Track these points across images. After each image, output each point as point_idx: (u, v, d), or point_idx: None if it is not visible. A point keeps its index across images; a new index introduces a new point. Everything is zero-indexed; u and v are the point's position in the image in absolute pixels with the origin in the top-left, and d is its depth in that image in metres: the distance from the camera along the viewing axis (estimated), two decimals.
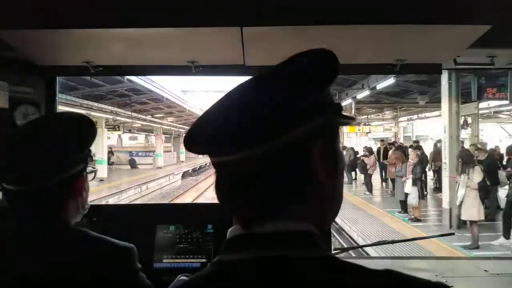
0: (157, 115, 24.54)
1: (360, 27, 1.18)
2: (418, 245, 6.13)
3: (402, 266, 1.55)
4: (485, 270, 1.45)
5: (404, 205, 8.99)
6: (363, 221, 8.66)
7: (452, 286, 0.96)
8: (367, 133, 19.12)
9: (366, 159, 12.93)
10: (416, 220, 8.30)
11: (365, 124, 19.21)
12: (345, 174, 14.40)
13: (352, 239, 7.85)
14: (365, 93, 12.41)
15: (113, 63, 1.46)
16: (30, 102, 1.44)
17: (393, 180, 11.28)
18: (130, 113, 18.20)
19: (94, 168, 1.15)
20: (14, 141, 0.91)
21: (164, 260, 1.42)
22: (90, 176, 1.04)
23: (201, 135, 0.50)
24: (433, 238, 5.47)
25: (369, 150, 13.38)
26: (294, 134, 0.45)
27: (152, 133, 28.28)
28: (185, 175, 23.83)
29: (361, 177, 14.69)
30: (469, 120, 11.39)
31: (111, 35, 1.25)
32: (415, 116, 20.07)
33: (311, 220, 0.49)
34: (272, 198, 0.47)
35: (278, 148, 0.45)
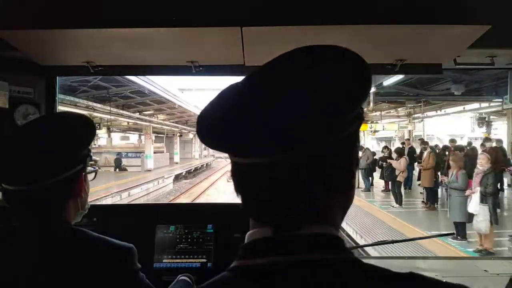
0: (146, 112, 24.50)
1: (360, 27, 1.34)
2: None
3: (403, 266, 1.74)
4: (485, 270, 1.64)
5: (462, 229, 7.41)
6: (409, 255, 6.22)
7: None
8: (375, 131, 18.44)
9: (394, 163, 11.56)
10: (488, 253, 6.43)
11: (373, 122, 18.49)
12: (361, 180, 13.78)
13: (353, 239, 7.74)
14: (396, 78, 10.83)
15: (113, 63, 1.65)
16: (30, 102, 1.63)
17: (428, 190, 10.42)
18: (109, 108, 17.57)
19: (94, 168, 1.27)
20: (13, 142, 1.03)
21: (164, 260, 1.62)
22: (90, 176, 1.17)
23: (226, 132, 0.52)
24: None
25: (398, 152, 12.12)
26: (339, 137, 0.51)
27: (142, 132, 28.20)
28: (178, 178, 24.31)
29: (379, 183, 14.11)
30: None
31: (111, 35, 1.41)
32: (426, 114, 19.60)
33: (334, 223, 0.55)
34: (305, 202, 0.51)
35: (321, 151, 0.49)
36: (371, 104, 13.94)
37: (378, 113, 19.33)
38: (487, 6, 1.34)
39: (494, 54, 1.54)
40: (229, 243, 1.61)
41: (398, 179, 11.36)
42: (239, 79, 0.58)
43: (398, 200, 11.23)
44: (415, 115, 18.93)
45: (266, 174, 0.50)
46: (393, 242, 1.80)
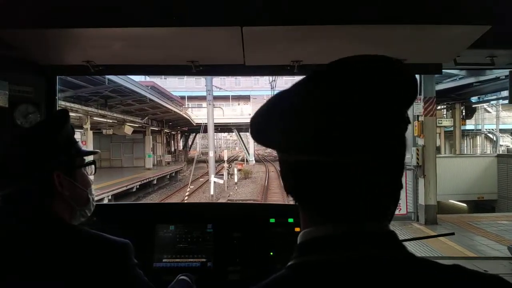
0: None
1: (360, 27, 1.34)
2: None
3: None
4: (485, 270, 1.63)
5: None
6: None
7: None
8: None
9: None
10: None
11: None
12: None
13: None
14: None
15: (113, 63, 1.65)
16: (30, 101, 1.63)
17: None
18: None
19: (91, 160, 1.20)
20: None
21: (164, 260, 1.61)
22: (89, 170, 1.15)
23: (296, 128, 0.54)
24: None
25: None
26: (399, 138, 0.56)
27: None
28: None
29: None
30: None
31: (111, 34, 1.41)
32: None
33: (389, 219, 0.58)
34: (381, 199, 0.55)
35: (388, 150, 0.54)
36: None
37: None
38: (487, 6, 1.33)
39: (494, 54, 1.54)
40: (229, 242, 1.61)
41: None
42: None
43: None
44: None
45: (338, 172, 0.52)
46: None
